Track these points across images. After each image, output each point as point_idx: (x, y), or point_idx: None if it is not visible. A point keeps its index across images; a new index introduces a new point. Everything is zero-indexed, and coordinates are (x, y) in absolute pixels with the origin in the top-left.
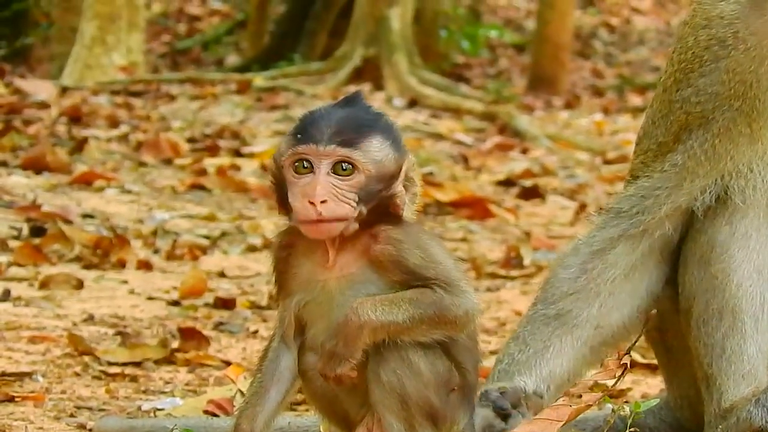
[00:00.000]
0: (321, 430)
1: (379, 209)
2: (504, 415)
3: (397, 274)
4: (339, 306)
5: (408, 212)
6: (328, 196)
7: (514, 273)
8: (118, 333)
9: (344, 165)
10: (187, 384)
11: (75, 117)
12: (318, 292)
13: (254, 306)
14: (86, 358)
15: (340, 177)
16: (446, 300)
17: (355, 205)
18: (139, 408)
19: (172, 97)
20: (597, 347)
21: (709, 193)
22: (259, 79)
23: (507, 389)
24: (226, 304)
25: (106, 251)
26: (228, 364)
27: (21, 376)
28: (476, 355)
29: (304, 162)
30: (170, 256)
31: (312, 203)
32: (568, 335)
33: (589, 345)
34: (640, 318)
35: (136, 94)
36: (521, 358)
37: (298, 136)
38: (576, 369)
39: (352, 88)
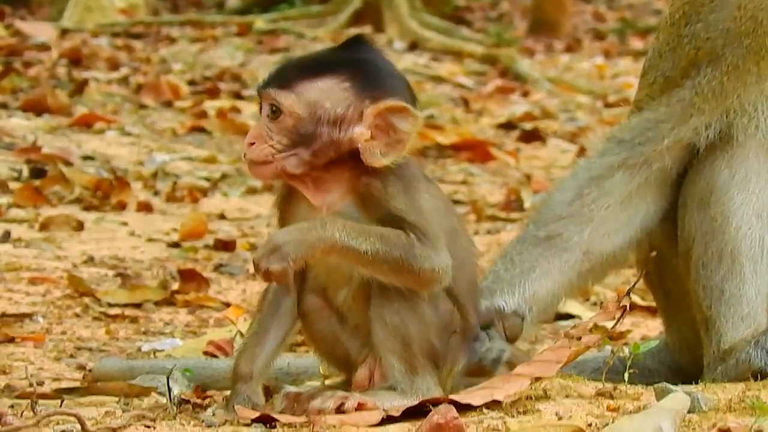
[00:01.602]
0: (321, 371)
1: (331, 154)
2: None
3: (378, 212)
4: (322, 216)
5: (381, 161)
6: (256, 139)
7: (514, 216)
8: (118, 274)
9: (273, 107)
10: (186, 325)
11: (75, 59)
12: None
13: (254, 248)
14: (86, 300)
15: (271, 119)
16: (417, 249)
17: (279, 148)
18: (139, 349)
19: (172, 40)
20: (585, 274)
21: (714, 129)
22: (260, 22)
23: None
24: (226, 246)
25: (106, 193)
26: (228, 305)
27: (21, 317)
28: (477, 297)
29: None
30: (170, 198)
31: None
32: (556, 258)
33: (577, 271)
34: (631, 249)
35: (137, 37)
36: (506, 276)
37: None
38: (560, 293)
39: (352, 31)
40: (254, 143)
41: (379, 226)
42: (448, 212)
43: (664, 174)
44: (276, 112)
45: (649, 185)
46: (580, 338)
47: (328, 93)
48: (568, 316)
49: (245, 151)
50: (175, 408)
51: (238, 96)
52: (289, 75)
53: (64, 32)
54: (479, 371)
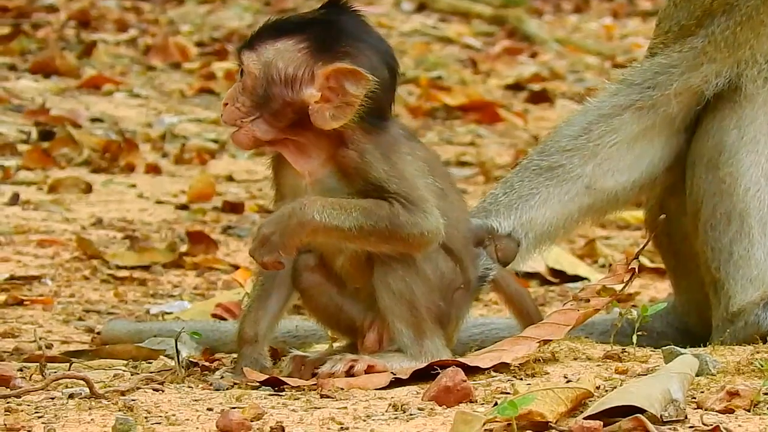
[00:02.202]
0: (328, 333)
1: (291, 116)
2: None
3: (358, 182)
4: (301, 198)
5: (331, 123)
6: (228, 100)
7: None
8: (127, 237)
9: (241, 68)
10: (195, 288)
11: (83, 21)
12: (301, 197)
13: (262, 210)
14: (95, 262)
15: (239, 81)
16: (402, 217)
17: (244, 110)
18: (148, 311)
19: (180, 1)
20: (585, 209)
21: (724, 78)
22: None
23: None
24: (234, 207)
25: (114, 155)
26: (236, 267)
27: (30, 279)
28: (473, 251)
29: None
30: (179, 160)
31: None
32: (557, 188)
33: (578, 204)
34: (633, 192)
35: None
36: (504, 199)
37: None
38: (559, 224)
39: None
40: (227, 104)
41: (361, 196)
42: (436, 171)
43: (670, 119)
44: (242, 73)
45: (655, 129)
46: (588, 301)
47: (282, 53)
48: (577, 279)
49: (221, 113)
50: (183, 371)
51: None
52: (257, 36)
53: None
54: None
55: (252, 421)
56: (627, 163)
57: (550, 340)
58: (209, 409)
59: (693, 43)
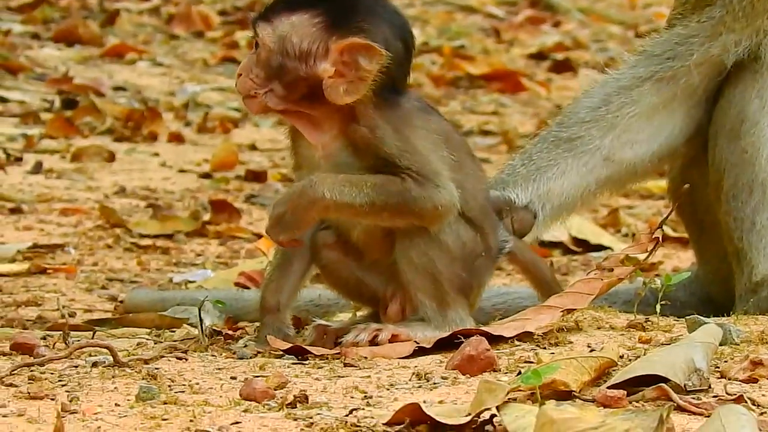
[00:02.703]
0: (351, 302)
1: (304, 90)
2: None
3: (370, 157)
4: (312, 175)
5: (344, 98)
6: (242, 70)
7: None
8: (150, 205)
9: (256, 40)
10: (218, 256)
11: None
12: (315, 168)
13: (285, 178)
14: (118, 231)
15: (254, 52)
16: (414, 191)
17: (257, 81)
18: (171, 280)
19: None
20: (603, 181)
21: (743, 47)
22: None
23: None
24: (257, 176)
25: (137, 124)
26: (259, 236)
27: (53, 248)
28: (493, 216)
29: None
30: (201, 129)
31: None
32: (575, 159)
33: (595, 175)
34: (652, 164)
35: None
36: (522, 171)
37: None
38: (577, 196)
39: None
40: (241, 75)
41: (373, 171)
42: (451, 143)
43: (691, 90)
44: (257, 45)
45: (676, 101)
46: (612, 270)
47: (298, 27)
48: (600, 248)
49: (236, 81)
50: (206, 339)
51: None
52: (272, 9)
53: None
54: None
55: (275, 390)
56: (646, 135)
57: (574, 309)
58: (233, 378)
59: (711, 12)
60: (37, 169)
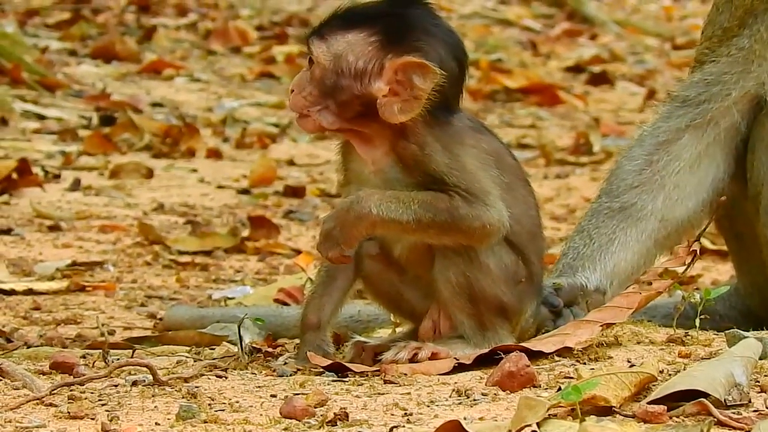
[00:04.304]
0: (391, 318)
1: (358, 108)
2: (556, 313)
3: (419, 174)
4: (359, 191)
5: (398, 117)
6: (295, 87)
7: (583, 159)
8: (188, 222)
9: (309, 57)
10: (257, 273)
11: (143, 5)
12: (365, 184)
13: (324, 194)
14: (156, 248)
15: (308, 69)
16: (462, 210)
17: (311, 99)
18: (210, 297)
19: None
20: (661, 241)
21: None
22: None
23: (562, 286)
24: (295, 192)
25: (175, 140)
26: (298, 252)
27: (92, 265)
28: (540, 243)
29: None
30: (239, 145)
31: None
32: (632, 228)
33: (654, 238)
34: (704, 212)
35: None
36: (586, 252)
37: None
38: (640, 263)
39: None
40: (294, 91)
41: (422, 188)
42: (503, 164)
43: (734, 129)
44: (311, 61)
45: (718, 143)
46: (650, 284)
47: (353, 46)
48: None
49: (288, 98)
50: (246, 357)
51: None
52: (327, 26)
53: None
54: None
55: (315, 408)
56: (694, 186)
57: (613, 324)
58: (273, 396)
59: (739, 44)
60: (76, 186)
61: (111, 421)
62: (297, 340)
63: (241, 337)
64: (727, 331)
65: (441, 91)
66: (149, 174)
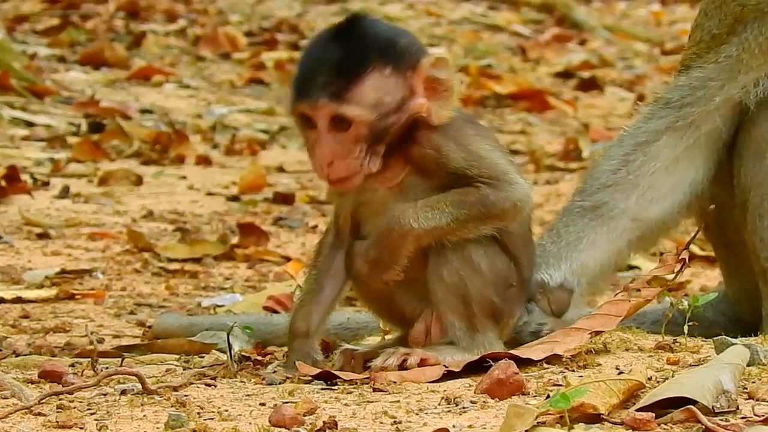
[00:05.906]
0: (380, 326)
1: (398, 134)
2: None
3: (441, 176)
4: (392, 211)
5: (444, 114)
6: (334, 157)
7: (572, 165)
8: (178, 229)
9: (336, 120)
10: (246, 280)
11: (132, 11)
12: (370, 197)
13: (313, 201)
14: (146, 255)
15: (338, 131)
16: (492, 196)
17: (362, 156)
18: (199, 304)
19: None
20: (634, 241)
21: (762, 85)
22: None
23: None
24: (285, 199)
25: (165, 147)
26: (288, 259)
27: (81, 273)
28: (531, 248)
29: (306, 117)
30: (229, 151)
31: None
32: (603, 227)
33: (626, 239)
34: (681, 213)
35: None
36: (552, 249)
37: (295, 90)
38: (610, 262)
39: None
40: (333, 162)
41: (442, 190)
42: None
43: (715, 134)
44: (342, 123)
45: (698, 146)
46: (639, 291)
47: (384, 85)
48: (628, 268)
49: (326, 173)
50: (235, 365)
51: (295, 47)
52: (343, 80)
53: None
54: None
55: (305, 416)
56: (669, 188)
57: (602, 331)
58: (262, 404)
59: (727, 51)
60: (65, 193)
61: (100, 430)
62: (286, 348)
63: (230, 346)
64: (715, 338)
65: None
66: (138, 181)
